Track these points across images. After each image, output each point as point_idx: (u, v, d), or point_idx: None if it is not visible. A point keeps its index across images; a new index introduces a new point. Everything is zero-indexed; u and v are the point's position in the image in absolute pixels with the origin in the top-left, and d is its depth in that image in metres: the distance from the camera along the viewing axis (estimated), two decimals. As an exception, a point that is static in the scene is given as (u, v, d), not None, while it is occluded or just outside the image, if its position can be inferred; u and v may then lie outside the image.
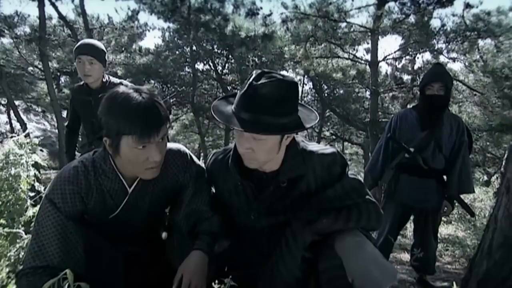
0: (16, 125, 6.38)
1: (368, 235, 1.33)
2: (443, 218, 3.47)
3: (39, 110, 9.95)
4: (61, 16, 6.59)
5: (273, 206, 1.33)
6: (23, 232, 1.69)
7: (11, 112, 5.45)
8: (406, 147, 2.51)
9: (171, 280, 1.26)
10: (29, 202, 1.79)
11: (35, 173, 1.86)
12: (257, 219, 1.35)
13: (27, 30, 7.13)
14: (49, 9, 9.22)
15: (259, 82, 1.14)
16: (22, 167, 1.72)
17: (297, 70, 10.48)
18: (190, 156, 1.46)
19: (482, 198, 8.46)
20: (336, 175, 1.33)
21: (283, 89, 1.15)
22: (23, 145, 1.80)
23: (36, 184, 1.80)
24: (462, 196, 2.60)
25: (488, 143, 7.96)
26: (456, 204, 2.60)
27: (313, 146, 1.35)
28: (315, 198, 1.31)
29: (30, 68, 7.03)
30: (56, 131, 8.54)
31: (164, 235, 1.47)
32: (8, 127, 6.70)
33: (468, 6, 7.32)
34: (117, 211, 1.32)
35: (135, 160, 1.19)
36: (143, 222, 1.42)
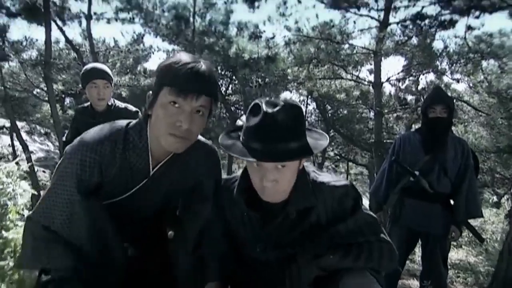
0: (19, 147, 6.39)
1: (377, 277, 1.24)
2: (452, 243, 3.36)
3: (43, 131, 10.04)
4: (67, 40, 6.75)
5: (280, 238, 1.28)
6: (12, 264, 1.61)
7: (14, 135, 5.48)
8: (410, 170, 2.45)
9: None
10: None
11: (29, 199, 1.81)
12: (264, 251, 1.30)
13: (34, 53, 7.31)
14: (56, 33, 9.45)
15: (274, 110, 1.11)
16: (9, 195, 1.66)
17: (300, 91, 10.55)
18: (219, 161, 1.41)
19: (493, 221, 8.23)
20: (348, 208, 1.27)
21: (295, 112, 1.14)
22: (11, 173, 1.75)
23: (26, 212, 1.72)
24: (471, 221, 2.52)
25: (496, 164, 7.81)
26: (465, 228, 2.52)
27: (324, 177, 1.29)
28: (325, 232, 1.25)
29: (36, 90, 7.14)
30: (59, 152, 8.58)
31: (170, 234, 1.37)
32: (10, 149, 6.74)
33: (470, 28, 7.38)
34: (132, 191, 1.24)
35: (163, 117, 1.11)
36: (153, 212, 1.35)
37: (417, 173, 2.44)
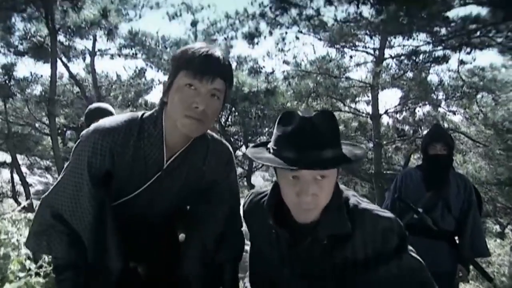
0: (16, 179, 6.35)
1: None
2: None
3: (43, 164, 10.01)
4: (71, 75, 6.91)
5: (309, 266, 1.15)
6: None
7: (14, 170, 5.49)
8: (414, 207, 2.44)
9: None
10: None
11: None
12: (291, 278, 1.17)
13: (39, 88, 7.45)
14: (60, 68, 9.66)
15: (312, 115, 1.04)
16: (13, 246, 1.63)
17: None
18: (234, 160, 1.39)
19: (499, 253, 8.05)
20: (393, 247, 1.10)
21: (332, 119, 1.06)
22: (17, 222, 1.73)
23: (27, 262, 1.68)
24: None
25: (497, 194, 7.77)
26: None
27: (367, 205, 1.16)
28: (362, 274, 1.11)
29: (38, 124, 7.21)
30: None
31: (181, 237, 1.30)
32: (10, 186, 6.70)
33: (462, 62, 7.63)
34: (146, 185, 1.21)
35: (179, 100, 1.12)
36: (165, 214, 1.31)
37: (420, 210, 2.43)
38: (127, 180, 1.21)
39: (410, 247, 1.16)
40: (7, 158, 6.16)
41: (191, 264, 1.30)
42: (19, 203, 5.68)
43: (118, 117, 1.23)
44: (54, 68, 5.08)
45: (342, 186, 1.18)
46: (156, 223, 1.32)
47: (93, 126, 1.20)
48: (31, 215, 1.88)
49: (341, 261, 1.12)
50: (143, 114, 1.25)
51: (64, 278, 1.16)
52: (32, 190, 8.28)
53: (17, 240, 1.66)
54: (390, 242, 1.10)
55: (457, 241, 2.47)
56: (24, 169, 8.45)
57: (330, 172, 1.04)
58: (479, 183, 6.76)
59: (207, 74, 1.11)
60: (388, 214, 1.13)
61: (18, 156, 6.24)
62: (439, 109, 8.75)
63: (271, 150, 1.09)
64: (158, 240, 1.33)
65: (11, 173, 5.95)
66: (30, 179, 8.56)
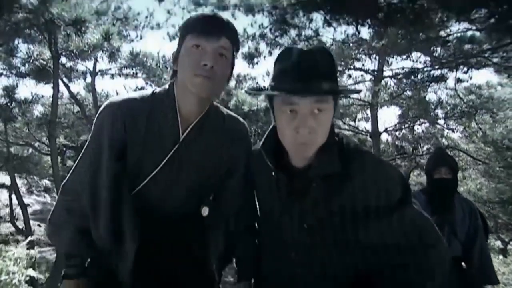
0: (13, 200, 6.28)
1: None
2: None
3: (42, 183, 9.93)
4: (72, 96, 6.94)
5: (306, 213, 1.12)
6: None
7: (13, 194, 5.45)
8: (420, 233, 2.41)
9: None
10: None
11: None
12: (290, 227, 1.15)
13: (40, 108, 7.46)
14: (61, 87, 9.69)
15: (311, 49, 1.07)
16: (15, 287, 1.58)
17: (299, 140, 10.67)
18: (249, 136, 1.40)
19: (503, 271, 7.92)
20: (396, 199, 1.07)
21: (329, 53, 1.08)
22: (19, 260, 1.69)
23: None
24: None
25: (499, 211, 7.73)
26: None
27: (367, 150, 1.16)
28: (363, 227, 1.07)
29: (37, 144, 7.19)
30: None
31: (204, 209, 1.28)
32: (8, 210, 6.62)
33: (459, 80, 7.74)
34: (164, 162, 1.20)
35: (188, 61, 1.15)
36: (187, 192, 1.27)
37: (426, 235, 2.41)
38: (144, 158, 1.21)
39: (416, 202, 1.12)
40: (6, 179, 6.11)
41: (215, 237, 1.32)
42: (16, 227, 5.60)
43: (131, 92, 1.30)
44: (55, 90, 5.11)
45: (341, 131, 1.19)
46: (176, 210, 1.29)
47: (108, 100, 1.27)
48: (33, 252, 1.84)
49: (339, 208, 1.09)
50: (154, 89, 1.29)
51: (71, 264, 1.22)
52: (29, 210, 8.18)
53: (19, 281, 1.61)
54: (393, 192, 1.07)
55: (464, 267, 2.43)
56: (22, 189, 8.38)
57: (328, 105, 1.05)
58: (481, 201, 6.74)
59: (212, 32, 1.14)
60: (390, 163, 1.14)
61: (17, 178, 6.19)
62: (438, 126, 8.81)
63: (270, 87, 1.09)
64: (180, 225, 1.30)
65: (10, 196, 5.90)
66: (27, 200, 8.47)
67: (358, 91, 1.27)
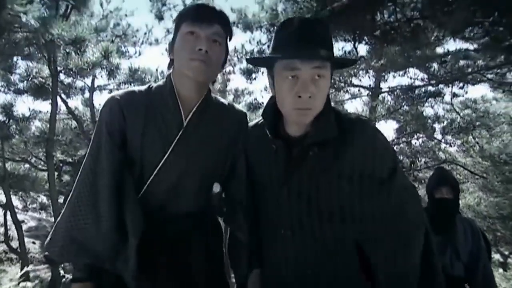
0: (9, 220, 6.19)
1: None
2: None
3: (39, 199, 9.80)
4: (70, 111, 6.92)
5: (305, 183, 1.12)
6: None
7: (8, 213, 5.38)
8: (423, 254, 2.39)
9: None
10: None
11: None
12: (289, 198, 1.14)
13: (37, 124, 7.42)
14: (59, 102, 9.66)
15: (310, 19, 1.15)
16: None
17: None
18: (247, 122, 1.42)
19: (504, 286, 7.83)
20: (392, 166, 1.12)
21: (328, 27, 1.14)
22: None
23: None
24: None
25: (502, 227, 7.70)
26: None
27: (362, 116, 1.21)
28: (359, 195, 1.09)
29: (34, 159, 7.14)
30: (52, 219, 8.29)
31: (215, 186, 1.28)
32: (2, 229, 6.52)
33: (455, 95, 7.83)
34: (172, 147, 1.21)
35: (183, 47, 1.20)
36: (196, 179, 1.27)
37: (429, 257, 2.38)
38: (147, 146, 1.22)
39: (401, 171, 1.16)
40: (1, 197, 6.04)
41: (231, 224, 1.33)
42: (11, 247, 5.49)
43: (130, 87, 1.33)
44: (54, 108, 5.10)
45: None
46: (188, 202, 1.29)
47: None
48: (30, 285, 1.79)
49: (337, 176, 1.10)
50: (150, 84, 1.34)
51: (79, 268, 1.22)
52: (24, 226, 8.05)
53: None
54: (389, 160, 1.12)
55: (468, 289, 2.40)
56: (17, 203, 8.26)
57: (327, 73, 1.08)
58: (481, 216, 6.72)
59: (206, 19, 1.19)
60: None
61: (12, 195, 6.11)
62: (435, 140, 8.85)
63: (270, 53, 1.13)
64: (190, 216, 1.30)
65: (4, 214, 5.81)
66: (22, 216, 8.35)
67: (355, 61, 1.30)
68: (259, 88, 10.35)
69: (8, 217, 6.37)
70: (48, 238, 1.22)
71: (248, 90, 10.11)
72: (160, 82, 1.32)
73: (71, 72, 4.87)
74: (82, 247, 1.18)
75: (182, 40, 1.21)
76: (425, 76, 5.52)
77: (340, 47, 6.18)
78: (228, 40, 1.30)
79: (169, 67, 1.31)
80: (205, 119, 1.28)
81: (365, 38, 5.12)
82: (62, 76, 5.70)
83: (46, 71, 5.22)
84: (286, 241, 1.16)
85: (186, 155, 1.24)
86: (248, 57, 5.76)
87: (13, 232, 5.62)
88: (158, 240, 1.22)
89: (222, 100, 1.40)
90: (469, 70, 5.37)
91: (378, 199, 1.12)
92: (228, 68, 8.60)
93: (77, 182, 1.23)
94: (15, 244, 5.71)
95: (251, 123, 1.35)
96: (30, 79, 5.07)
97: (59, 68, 4.86)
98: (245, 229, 1.36)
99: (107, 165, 1.19)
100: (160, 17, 5.22)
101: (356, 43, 5.31)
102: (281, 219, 1.17)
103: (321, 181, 1.12)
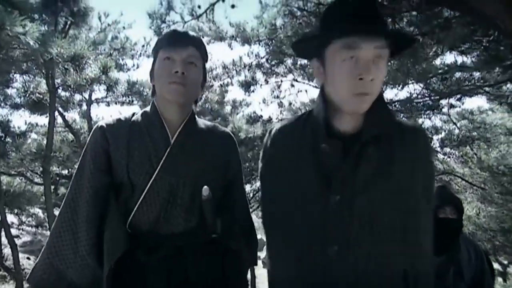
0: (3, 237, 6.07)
1: None
2: None
3: (32, 209, 9.67)
4: (67, 125, 6.88)
5: (361, 185, 0.99)
6: None
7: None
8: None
9: None
10: None
11: None
12: (338, 206, 0.98)
13: (34, 136, 7.37)
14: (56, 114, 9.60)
15: None
16: None
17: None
18: (235, 142, 1.47)
19: (505, 298, 7.79)
20: (433, 172, 1.08)
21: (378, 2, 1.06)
22: None
23: None
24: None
25: (504, 241, 7.68)
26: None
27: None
28: (413, 206, 1.00)
29: (29, 173, 7.07)
30: (47, 232, 8.16)
31: (204, 190, 1.25)
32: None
33: (452, 106, 7.88)
34: (161, 163, 1.24)
35: (161, 73, 1.26)
36: (187, 198, 1.28)
37: (433, 278, 2.35)
38: (135, 169, 1.24)
39: None
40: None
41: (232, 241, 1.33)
42: (5, 267, 5.37)
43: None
44: (51, 125, 5.05)
45: None
46: (180, 221, 1.29)
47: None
48: None
49: (396, 182, 0.98)
50: (134, 112, 1.40)
51: None
52: (19, 242, 7.92)
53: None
54: (432, 165, 1.07)
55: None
56: (12, 219, 8.13)
57: (386, 53, 0.98)
58: (482, 229, 6.70)
59: (179, 42, 1.26)
60: None
61: (7, 211, 6.02)
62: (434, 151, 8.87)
63: (323, 35, 1.01)
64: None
65: (-1, 233, 5.72)
66: (16, 231, 8.22)
67: (415, 40, 1.20)
68: (257, 100, 10.36)
69: (2, 232, 6.26)
70: (31, 268, 1.23)
71: (246, 101, 10.15)
72: (146, 108, 1.38)
73: (70, 89, 4.85)
74: (61, 276, 1.19)
75: (160, 65, 1.28)
76: (424, 90, 5.56)
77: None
78: (204, 61, 1.36)
79: (152, 94, 1.37)
80: (191, 138, 1.33)
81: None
82: (60, 90, 5.66)
83: (43, 87, 5.19)
84: (329, 259, 0.99)
85: (176, 172, 1.26)
86: (246, 71, 5.75)
87: (7, 248, 5.51)
88: (153, 261, 1.22)
89: (205, 121, 1.48)
90: (467, 83, 5.42)
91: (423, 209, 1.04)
92: (225, 80, 8.61)
93: (61, 208, 1.27)
94: (10, 262, 5.60)
95: (276, 126, 1.20)
96: (27, 94, 5.04)
97: (57, 85, 4.84)
98: (243, 246, 1.38)
99: (88, 189, 1.22)
100: (159, 34, 5.24)
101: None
102: (321, 235, 1.01)
103: (378, 188, 1.00)
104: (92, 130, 1.34)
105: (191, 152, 1.31)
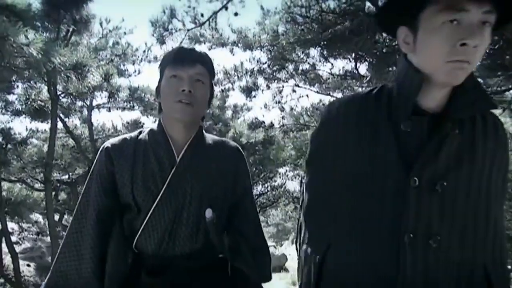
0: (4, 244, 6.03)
1: None
2: None
3: (32, 216, 9.61)
4: (68, 131, 6.86)
5: (445, 167, 0.89)
6: None
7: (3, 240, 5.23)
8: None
9: None
10: None
11: None
12: (416, 195, 0.88)
13: (35, 142, 7.33)
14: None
15: None
16: None
17: (297, 171, 10.66)
18: (242, 153, 1.44)
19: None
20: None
21: None
22: None
23: None
24: None
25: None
26: None
27: None
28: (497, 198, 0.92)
29: (29, 180, 7.03)
30: (47, 238, 8.09)
31: (208, 212, 1.23)
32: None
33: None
34: (167, 182, 1.22)
35: (168, 91, 1.24)
36: (195, 212, 1.25)
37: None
38: (140, 190, 1.23)
39: None
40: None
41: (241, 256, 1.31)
42: (6, 278, 5.31)
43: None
44: (53, 133, 5.02)
45: None
46: (187, 242, 1.28)
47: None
48: None
49: (485, 167, 0.90)
50: (141, 130, 1.39)
51: None
52: (19, 248, 7.86)
53: None
54: (507, 146, 0.97)
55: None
56: (12, 226, 8.08)
57: (493, 20, 0.86)
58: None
59: (187, 61, 1.24)
60: None
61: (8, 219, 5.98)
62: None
63: None
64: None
65: (-1, 244, 5.67)
66: (17, 238, 8.17)
67: None
68: (259, 106, 10.34)
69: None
70: None
71: (247, 106, 10.14)
72: (153, 126, 1.37)
73: (71, 96, 4.83)
74: None
75: (167, 83, 1.26)
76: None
77: (340, 67, 6.21)
78: (211, 78, 1.34)
79: (159, 111, 1.36)
80: (198, 156, 1.30)
81: (366, 58, 5.16)
82: (61, 98, 5.65)
83: (45, 94, 5.17)
84: (403, 248, 0.88)
85: (181, 192, 1.24)
86: (248, 77, 5.72)
87: (8, 256, 5.47)
88: (158, 283, 1.21)
89: (214, 137, 1.45)
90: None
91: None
92: (227, 85, 8.60)
93: (67, 229, 1.27)
94: (10, 269, 5.55)
95: (343, 99, 1.06)
96: (29, 102, 5.02)
97: (59, 92, 4.82)
98: (252, 265, 1.32)
99: (94, 211, 1.22)
100: (162, 42, 5.23)
101: (358, 63, 5.34)
102: (397, 220, 0.89)
103: (462, 174, 0.90)
104: (98, 151, 1.33)
105: (197, 171, 1.28)
